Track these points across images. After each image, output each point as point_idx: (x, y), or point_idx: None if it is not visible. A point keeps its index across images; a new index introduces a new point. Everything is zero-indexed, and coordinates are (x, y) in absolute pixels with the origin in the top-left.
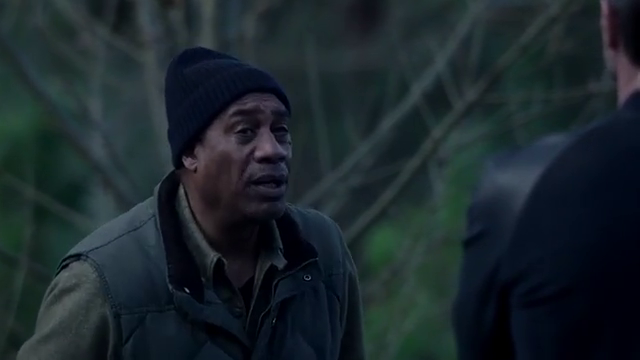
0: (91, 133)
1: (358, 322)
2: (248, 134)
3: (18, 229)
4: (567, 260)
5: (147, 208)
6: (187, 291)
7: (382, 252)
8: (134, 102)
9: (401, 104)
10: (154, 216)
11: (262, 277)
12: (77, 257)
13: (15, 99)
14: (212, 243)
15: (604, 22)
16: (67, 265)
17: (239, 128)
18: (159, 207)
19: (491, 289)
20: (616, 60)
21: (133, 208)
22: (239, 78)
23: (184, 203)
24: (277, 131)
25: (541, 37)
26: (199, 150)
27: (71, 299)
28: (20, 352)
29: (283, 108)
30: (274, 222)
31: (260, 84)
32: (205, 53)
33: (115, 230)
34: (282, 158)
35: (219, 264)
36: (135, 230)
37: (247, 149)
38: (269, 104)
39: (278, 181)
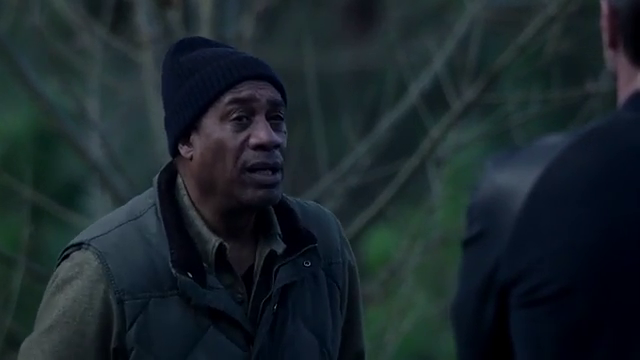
0: (89, 133)
1: (358, 312)
2: (243, 122)
3: (16, 229)
4: (566, 260)
5: (146, 199)
6: (190, 276)
7: (380, 252)
8: (132, 102)
9: (399, 104)
10: (154, 205)
11: (262, 263)
12: (78, 246)
13: (13, 99)
14: (212, 230)
15: (604, 22)
16: (68, 255)
17: (234, 116)
18: (159, 196)
19: (490, 289)
20: (616, 60)
21: (130, 201)
22: (235, 66)
23: (183, 191)
24: (273, 119)
25: (539, 37)
26: (195, 138)
27: (73, 288)
28: (22, 348)
29: (279, 97)
30: (272, 209)
31: (256, 72)
32: (202, 42)
33: (115, 220)
34: (277, 146)
35: (221, 249)
36: (135, 219)
37: (242, 136)
38: (265, 92)
39: (273, 168)
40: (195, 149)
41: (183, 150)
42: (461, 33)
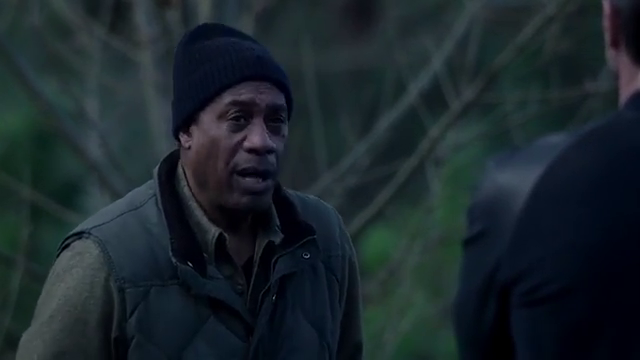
0: (87, 132)
1: (357, 306)
2: (241, 122)
3: (14, 229)
4: (567, 260)
5: (146, 190)
6: (190, 265)
7: (379, 252)
8: (130, 102)
9: (398, 104)
10: (154, 196)
11: (260, 254)
12: (78, 235)
13: (11, 98)
14: (212, 220)
15: (606, 22)
16: (68, 245)
17: (232, 116)
18: (159, 186)
19: (491, 289)
20: (618, 60)
21: (129, 193)
22: (240, 65)
23: (183, 182)
24: (272, 122)
25: (538, 37)
26: (194, 129)
27: (74, 276)
28: (21, 341)
29: (280, 102)
30: (271, 202)
31: (259, 73)
32: (221, 31)
33: (116, 210)
34: (271, 151)
35: (220, 239)
36: (136, 209)
37: (237, 137)
38: (265, 97)
39: (263, 175)
40: (193, 141)
41: (183, 139)
42: (460, 33)
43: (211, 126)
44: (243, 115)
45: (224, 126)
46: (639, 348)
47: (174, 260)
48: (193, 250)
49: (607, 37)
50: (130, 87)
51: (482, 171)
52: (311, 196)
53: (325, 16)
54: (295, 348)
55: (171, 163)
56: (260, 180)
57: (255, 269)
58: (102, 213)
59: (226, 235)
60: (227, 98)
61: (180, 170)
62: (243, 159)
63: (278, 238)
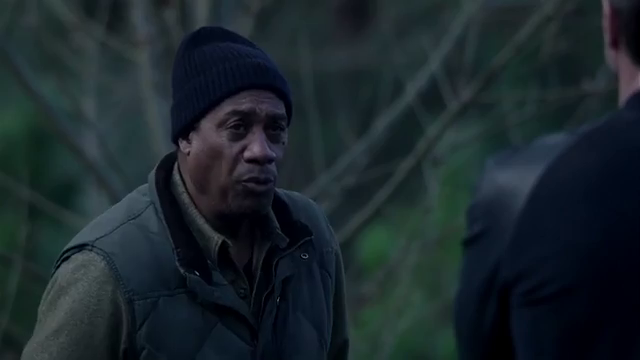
0: (85, 132)
1: (343, 298)
2: (240, 131)
3: (11, 228)
4: (568, 259)
5: (142, 196)
6: (197, 274)
7: (376, 252)
8: (128, 102)
9: (395, 104)
10: (151, 204)
11: (263, 257)
12: (80, 248)
13: (9, 99)
14: (213, 227)
15: (605, 22)
16: (68, 258)
17: (232, 124)
18: (158, 194)
19: (491, 289)
20: (618, 60)
21: (124, 199)
22: (240, 73)
23: (181, 188)
24: (272, 130)
25: (535, 37)
26: (193, 136)
27: (79, 290)
28: (25, 353)
29: (280, 111)
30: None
31: (260, 82)
32: (220, 35)
33: (114, 220)
34: (271, 160)
35: (223, 246)
36: (135, 218)
37: (237, 147)
38: (265, 107)
39: (264, 182)
40: (192, 147)
41: (182, 145)
42: (457, 32)
43: (211, 134)
44: (243, 124)
45: (224, 134)
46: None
47: (182, 270)
48: (198, 258)
49: (607, 37)
50: (127, 87)
51: (480, 171)
52: (295, 193)
53: (322, 16)
54: (298, 349)
55: (166, 169)
56: (262, 185)
57: (258, 272)
58: (100, 223)
59: (229, 242)
60: (227, 107)
61: (177, 177)
62: (245, 170)
63: (284, 242)
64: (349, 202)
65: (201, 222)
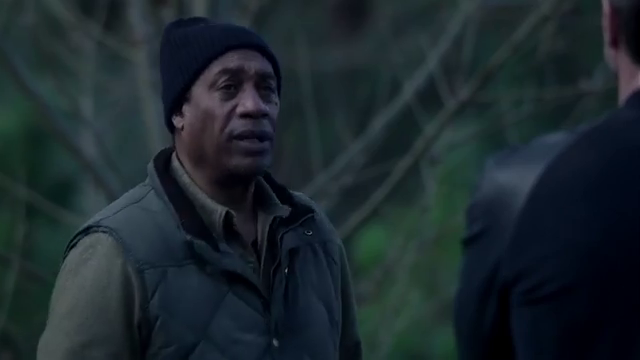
0: (82, 132)
1: (351, 299)
2: (231, 90)
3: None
4: (568, 258)
5: (142, 186)
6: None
7: (373, 251)
8: (124, 101)
9: (392, 103)
10: (152, 189)
11: (267, 230)
12: (86, 232)
13: (6, 98)
14: (216, 201)
15: (605, 21)
16: (75, 244)
17: (222, 85)
18: (159, 176)
19: (491, 288)
20: (617, 59)
21: (124, 194)
22: (224, 35)
23: (180, 172)
24: (262, 89)
25: (533, 36)
26: (186, 108)
27: (89, 268)
28: (41, 343)
29: (269, 69)
30: (266, 184)
31: (242, 41)
32: (200, 20)
33: (117, 205)
34: (264, 115)
35: (228, 217)
36: (137, 202)
37: (230, 105)
38: (253, 64)
39: (260, 137)
40: (186, 119)
41: (176, 121)
42: (455, 31)
43: (203, 98)
44: (233, 83)
45: (215, 95)
46: None
47: (189, 237)
48: (203, 229)
49: (606, 36)
50: (125, 86)
51: (478, 170)
52: (296, 192)
53: (318, 15)
54: (310, 323)
55: (164, 159)
56: (257, 141)
57: (264, 245)
58: (105, 209)
59: (233, 213)
60: (216, 68)
61: (176, 162)
62: (238, 124)
63: (286, 212)
64: (346, 201)
65: (203, 197)
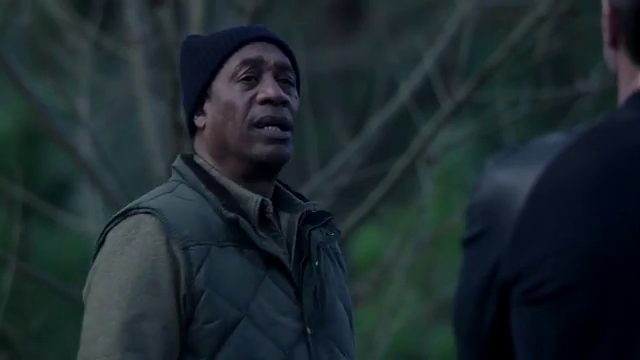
0: (78, 132)
1: (350, 304)
2: (252, 81)
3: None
4: (568, 258)
5: (170, 182)
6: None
7: (370, 252)
8: (121, 101)
9: (389, 103)
10: (181, 182)
11: (297, 223)
12: (124, 215)
13: (2, 98)
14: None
15: (605, 22)
16: (113, 227)
17: (243, 76)
18: (191, 167)
19: (491, 288)
20: (617, 60)
21: (150, 191)
22: (243, 31)
23: (207, 167)
24: (282, 82)
25: (529, 37)
26: (207, 106)
27: (135, 247)
28: (86, 323)
29: (287, 61)
30: (282, 187)
31: (260, 34)
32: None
33: (151, 194)
34: (285, 102)
35: (262, 205)
36: (171, 192)
37: (250, 94)
38: (272, 55)
39: (281, 124)
40: (208, 116)
41: (197, 120)
42: (451, 32)
43: (223, 91)
44: (253, 75)
45: (236, 87)
46: None
47: (232, 215)
48: (242, 213)
49: (606, 37)
50: (121, 86)
51: (475, 170)
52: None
53: (313, 16)
54: (336, 318)
55: (187, 159)
56: (278, 129)
57: (294, 238)
58: (137, 200)
59: (268, 200)
60: (235, 60)
61: (200, 160)
62: (258, 111)
63: (316, 207)
64: (343, 202)
65: (237, 187)
